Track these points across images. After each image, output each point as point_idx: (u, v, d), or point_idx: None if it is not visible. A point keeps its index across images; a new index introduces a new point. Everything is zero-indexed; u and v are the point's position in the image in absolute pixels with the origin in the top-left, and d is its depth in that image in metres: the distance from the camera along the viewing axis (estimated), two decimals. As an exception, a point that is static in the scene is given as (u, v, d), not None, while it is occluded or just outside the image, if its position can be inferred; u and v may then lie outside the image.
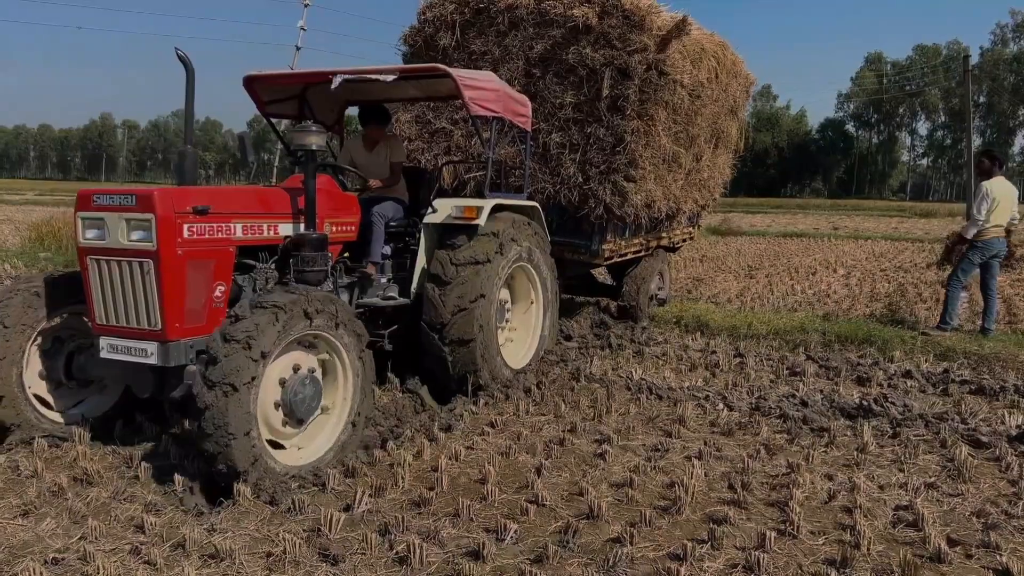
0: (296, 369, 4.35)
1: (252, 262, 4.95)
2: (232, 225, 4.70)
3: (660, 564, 3.42)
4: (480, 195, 6.41)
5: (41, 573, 3.19)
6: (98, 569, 3.22)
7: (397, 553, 3.50)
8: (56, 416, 4.88)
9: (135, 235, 4.33)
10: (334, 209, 5.58)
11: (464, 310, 5.62)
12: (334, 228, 5.52)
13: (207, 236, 4.52)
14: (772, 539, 3.59)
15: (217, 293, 4.58)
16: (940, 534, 3.74)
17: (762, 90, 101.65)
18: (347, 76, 5.78)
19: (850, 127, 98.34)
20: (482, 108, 5.96)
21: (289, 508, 3.94)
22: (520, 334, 6.70)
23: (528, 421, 5.42)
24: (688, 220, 10.13)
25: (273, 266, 5.05)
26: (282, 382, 4.28)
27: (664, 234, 9.41)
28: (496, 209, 6.08)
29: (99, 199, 4.42)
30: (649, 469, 4.53)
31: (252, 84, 6.35)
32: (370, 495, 4.08)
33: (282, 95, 6.67)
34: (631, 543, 3.57)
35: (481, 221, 5.85)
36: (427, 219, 6.06)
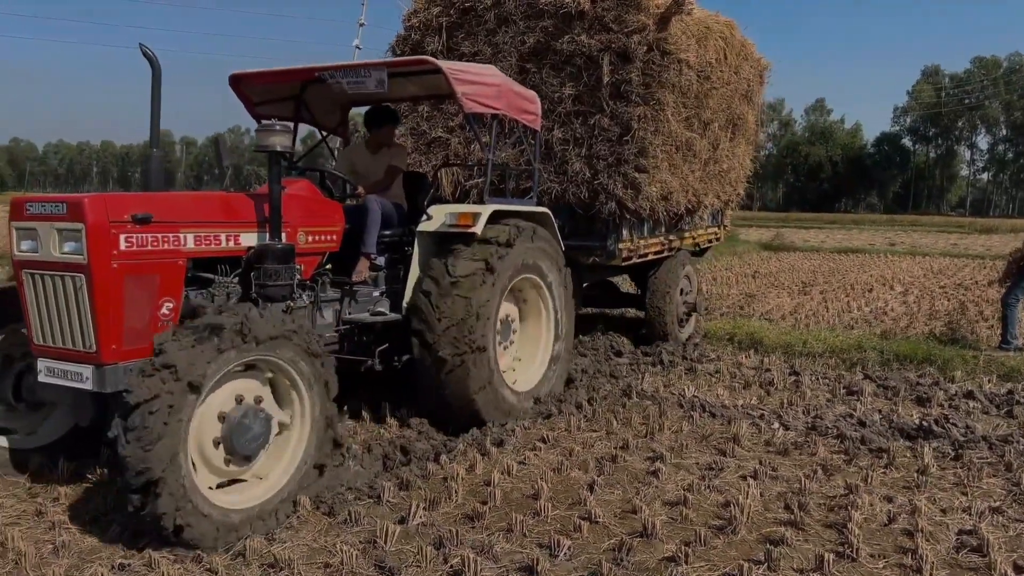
0: (239, 400, 3.92)
1: (211, 276, 4.55)
2: (181, 235, 4.25)
3: (715, 585, 3.39)
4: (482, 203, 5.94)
5: (109, 578, 3.29)
6: (163, 575, 3.31)
7: (452, 567, 3.53)
8: (2, 441, 4.53)
9: (67, 247, 3.93)
10: (310, 216, 5.11)
11: (457, 329, 5.17)
12: (309, 238, 5.07)
13: (149, 247, 4.08)
14: (831, 561, 3.53)
15: (164, 311, 4.15)
16: (1006, 560, 3.63)
17: (815, 104, 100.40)
18: (335, 74, 5.44)
19: (907, 141, 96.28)
20: (479, 104, 5.52)
21: (345, 519, 4.00)
22: (529, 352, 6.18)
23: (580, 437, 5.42)
24: (712, 219, 9.77)
25: (236, 280, 4.63)
26: (222, 416, 3.85)
27: (687, 233, 8.97)
28: (498, 216, 5.62)
29: (32, 207, 4.04)
30: (703, 488, 4.49)
31: (239, 84, 6.00)
32: (424, 508, 4.12)
33: (275, 95, 6.23)
34: (686, 562, 3.54)
35: (478, 229, 5.39)
36: (421, 227, 5.59)
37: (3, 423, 4.57)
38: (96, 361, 3.89)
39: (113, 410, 3.66)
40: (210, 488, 3.82)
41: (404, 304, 5.49)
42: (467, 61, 7.31)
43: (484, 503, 4.22)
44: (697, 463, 4.93)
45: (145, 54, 4.32)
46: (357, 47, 24.61)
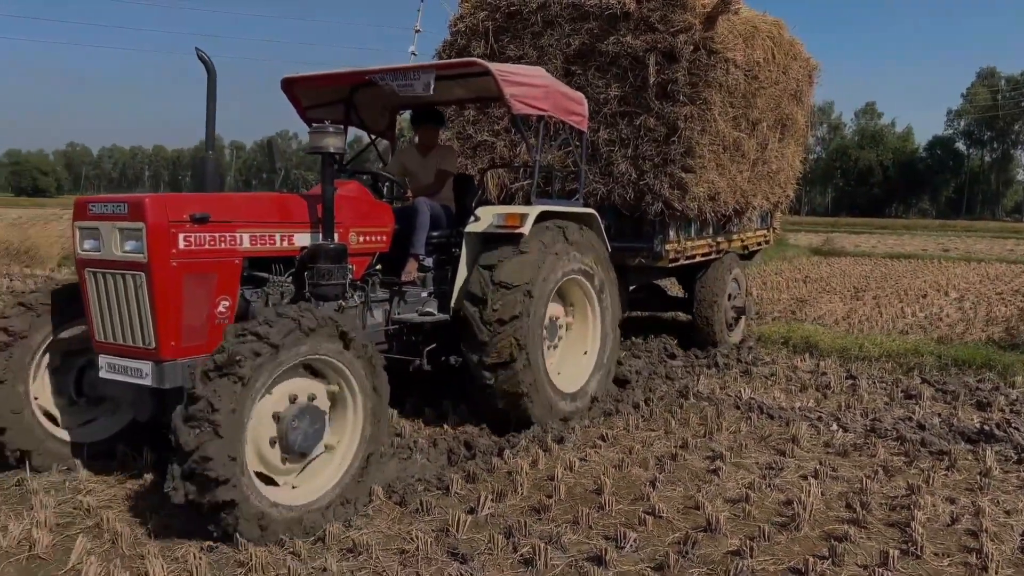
0: (293, 399, 3.93)
1: (265, 275, 4.65)
2: (238, 235, 4.37)
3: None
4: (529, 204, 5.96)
5: (200, 558, 3.48)
6: (251, 556, 3.49)
7: (522, 555, 3.65)
8: (64, 435, 4.66)
9: (128, 246, 4.04)
10: (361, 217, 5.21)
11: (505, 329, 5.20)
12: (361, 238, 5.16)
13: (207, 246, 4.19)
14: (896, 558, 3.58)
15: (221, 308, 4.26)
16: (1073, 561, 3.65)
17: (866, 107, 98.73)
18: (385, 76, 5.48)
19: (960, 145, 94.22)
20: (527, 106, 5.55)
21: (417, 509, 4.16)
22: (576, 352, 6.18)
23: (638, 436, 5.51)
24: (761, 221, 9.66)
25: (289, 279, 4.73)
26: (276, 416, 3.86)
27: (735, 235, 8.86)
28: (544, 217, 5.65)
29: (94, 207, 4.17)
30: (764, 487, 4.56)
31: (291, 87, 6.10)
32: (492, 500, 4.25)
33: (325, 99, 6.32)
34: (751, 556, 3.63)
35: (525, 230, 5.40)
36: (469, 228, 5.61)
37: (64, 417, 4.69)
38: (155, 357, 4.01)
39: (171, 405, 3.72)
40: (264, 484, 3.83)
41: (451, 305, 5.54)
42: (511, 63, 7.29)
43: (549, 496, 4.34)
44: (757, 463, 5.00)
45: (201, 58, 4.43)
46: (413, 54, 24.84)
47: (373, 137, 6.78)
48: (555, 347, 5.95)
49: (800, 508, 4.10)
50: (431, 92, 5.40)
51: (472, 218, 5.64)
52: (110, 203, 4.10)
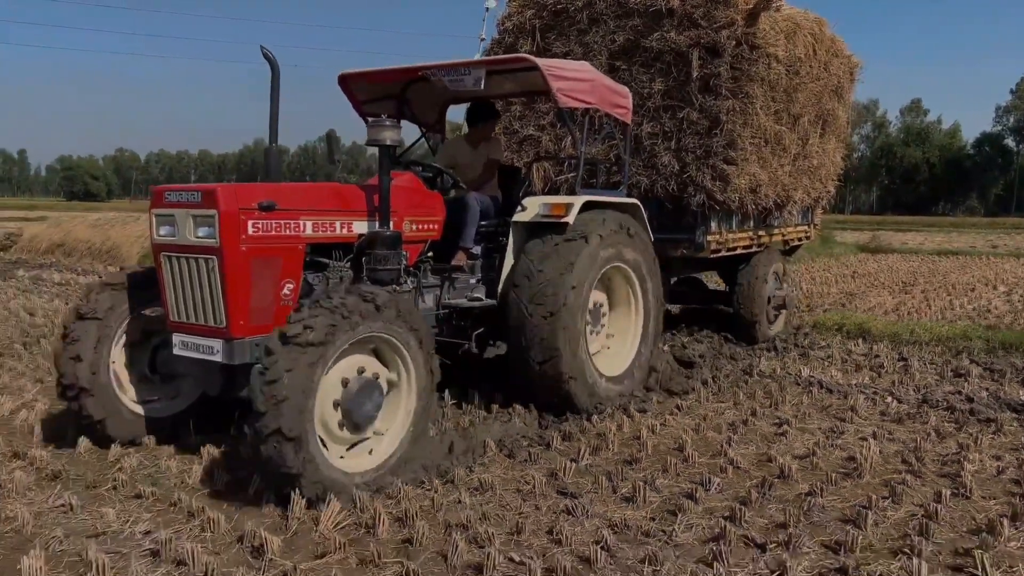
0: (360, 372, 4.23)
1: (326, 260, 4.91)
2: (301, 222, 4.64)
3: (848, 511, 4.07)
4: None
5: (358, 496, 4.17)
6: (399, 491, 4.17)
7: (622, 494, 4.29)
8: (139, 409, 5.00)
9: (201, 231, 4.32)
10: (415, 206, 5.47)
11: (550, 314, 5.41)
12: (415, 226, 5.42)
13: (274, 232, 4.47)
14: (947, 497, 4.16)
15: (285, 291, 4.54)
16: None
17: (911, 104, 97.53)
18: (437, 72, 5.72)
19: (1009, 141, 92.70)
20: (573, 99, 5.74)
21: (525, 459, 4.82)
22: (618, 339, 6.34)
23: (710, 407, 6.12)
24: (802, 216, 9.80)
25: (348, 264, 5.00)
26: (344, 382, 4.16)
27: (776, 229, 9.01)
28: (588, 207, 5.83)
29: (170, 196, 4.46)
30: (828, 445, 5.14)
31: (347, 83, 6.37)
32: (589, 453, 4.90)
33: (380, 94, 6.56)
34: (821, 496, 4.22)
35: (570, 219, 5.59)
36: (516, 217, 5.84)
37: (141, 393, 5.03)
38: (226, 336, 4.32)
39: (240, 380, 4.20)
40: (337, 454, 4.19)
41: (499, 291, 5.77)
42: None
43: (638, 451, 4.97)
44: (819, 427, 5.57)
45: (266, 56, 4.75)
46: (481, 39, 25.36)
47: (424, 130, 7.00)
48: (597, 333, 6.14)
49: (862, 460, 4.69)
50: (481, 87, 5.65)
51: (519, 208, 5.86)
52: (185, 192, 4.40)
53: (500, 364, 6.25)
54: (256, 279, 4.37)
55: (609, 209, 6.03)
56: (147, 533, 3.74)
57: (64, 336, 4.77)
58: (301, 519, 3.83)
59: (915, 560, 3.39)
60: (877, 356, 7.93)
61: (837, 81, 9.28)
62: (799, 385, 6.73)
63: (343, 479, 4.07)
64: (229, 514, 3.93)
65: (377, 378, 4.31)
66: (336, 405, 4.13)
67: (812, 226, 10.41)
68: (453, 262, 5.78)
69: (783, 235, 9.37)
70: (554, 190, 8.05)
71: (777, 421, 5.69)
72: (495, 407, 5.88)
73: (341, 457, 4.23)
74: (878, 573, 3.41)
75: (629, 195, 6.80)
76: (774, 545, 3.66)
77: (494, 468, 4.70)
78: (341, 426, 4.19)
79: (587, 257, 5.59)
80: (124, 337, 4.94)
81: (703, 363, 7.46)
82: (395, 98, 6.59)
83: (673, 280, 8.56)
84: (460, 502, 4.13)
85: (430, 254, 5.69)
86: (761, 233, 8.68)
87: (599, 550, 3.51)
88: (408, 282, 5.37)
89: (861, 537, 3.69)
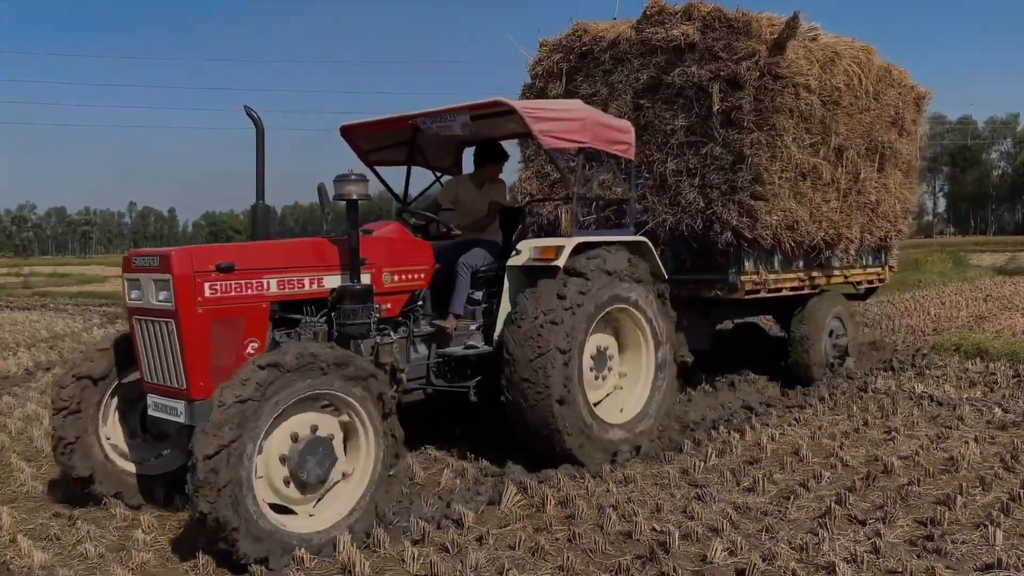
0: (315, 429, 4.26)
1: (297, 316, 4.93)
2: (264, 280, 4.67)
3: (940, 496, 4.79)
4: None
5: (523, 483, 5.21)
6: (559, 480, 5.18)
7: (744, 486, 5.14)
8: (131, 467, 5.08)
9: (161, 295, 4.40)
10: (396, 257, 5.45)
11: (540, 365, 5.26)
12: (395, 277, 5.40)
13: (233, 293, 4.51)
14: (1034, 486, 4.80)
15: (250, 350, 4.55)
16: None
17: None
18: (425, 120, 5.80)
19: None
20: (559, 140, 5.70)
21: (660, 459, 5.73)
22: (630, 381, 6.16)
23: (825, 419, 6.83)
24: (873, 258, 9.17)
25: (323, 320, 4.99)
26: (286, 449, 4.17)
27: (836, 270, 8.48)
28: (586, 248, 5.69)
29: (136, 260, 4.58)
30: (932, 448, 5.81)
31: (350, 134, 6.50)
32: (715, 455, 5.77)
33: (387, 142, 6.62)
34: (918, 485, 4.95)
35: (560, 262, 5.47)
36: (510, 262, 5.73)
37: (133, 452, 5.14)
38: (186, 397, 4.37)
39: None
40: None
41: (495, 337, 5.68)
42: (586, 102, 7.31)
43: (759, 454, 5.80)
44: (926, 434, 6.21)
45: (250, 115, 4.99)
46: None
47: (438, 175, 7.06)
48: (604, 377, 6.00)
49: (959, 459, 5.36)
50: (468, 131, 5.78)
51: (514, 252, 5.77)
52: (147, 256, 4.53)
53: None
54: (215, 340, 4.42)
55: (614, 249, 5.86)
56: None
57: (58, 397, 4.93)
58: (491, 498, 4.90)
59: (991, 528, 4.11)
60: (993, 374, 8.36)
61: (895, 112, 8.73)
62: (911, 399, 7.34)
63: (291, 540, 4.06)
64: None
65: (316, 432, 4.28)
66: (286, 481, 4.18)
67: (886, 268, 9.56)
68: (443, 324, 5.79)
69: (846, 277, 8.79)
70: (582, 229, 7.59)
71: (887, 429, 6.36)
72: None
73: (310, 515, 4.32)
74: (960, 540, 4.14)
75: (652, 234, 6.83)
76: (873, 520, 4.44)
77: (634, 467, 5.63)
78: (286, 483, 4.20)
79: (581, 302, 5.47)
80: (116, 399, 5.08)
81: (822, 381, 8.08)
82: (406, 144, 6.70)
83: (717, 322, 8.33)
84: (608, 491, 5.10)
85: (420, 303, 5.70)
86: (816, 274, 8.21)
87: (725, 523, 4.40)
88: (399, 331, 5.46)
89: (949, 515, 4.43)
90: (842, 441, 6.04)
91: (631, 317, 6.00)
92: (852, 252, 8.50)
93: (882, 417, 6.78)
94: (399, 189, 6.91)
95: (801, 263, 7.95)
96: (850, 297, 9.31)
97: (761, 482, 5.08)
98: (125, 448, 5.13)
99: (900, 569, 3.81)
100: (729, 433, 6.36)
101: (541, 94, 8.23)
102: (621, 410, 6.05)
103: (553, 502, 4.81)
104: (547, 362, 5.27)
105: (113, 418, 5.12)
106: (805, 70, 7.21)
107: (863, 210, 8.42)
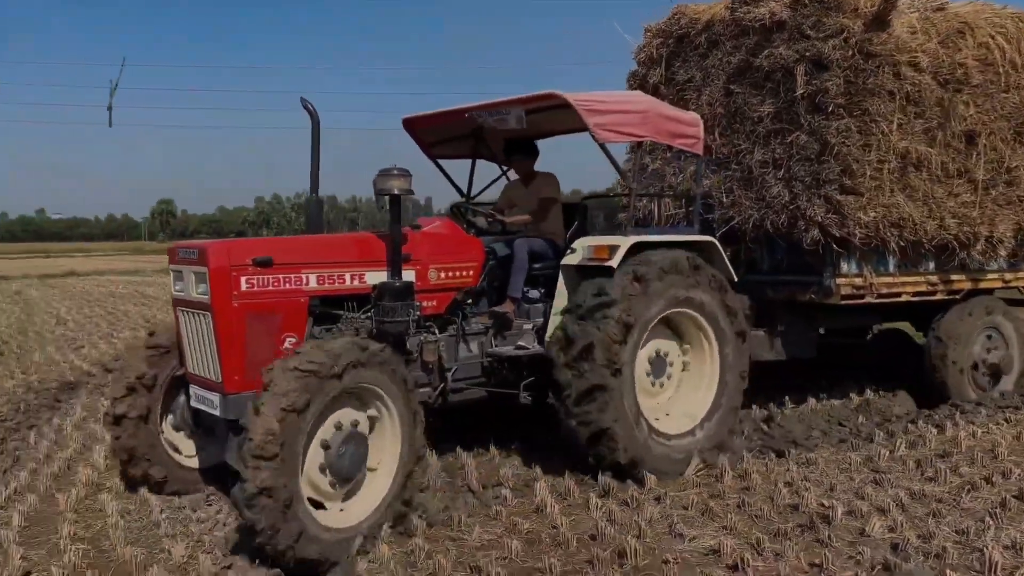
0: (339, 427, 4.19)
1: (339, 312, 4.90)
2: (303, 275, 4.68)
3: None
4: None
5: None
6: (743, 457, 5.64)
7: (927, 476, 5.29)
8: (187, 462, 5.17)
9: (200, 288, 4.45)
10: (444, 254, 5.37)
11: (585, 372, 5.05)
12: (441, 274, 5.30)
13: (271, 288, 4.53)
14: None
15: (287, 345, 4.52)
16: None
17: None
18: (482, 113, 5.71)
19: None
20: (616, 133, 5.51)
21: (847, 448, 5.98)
22: (692, 386, 5.81)
23: (1026, 417, 6.70)
24: None
25: (365, 317, 4.90)
26: (324, 444, 4.13)
27: (991, 272, 7.44)
28: (643, 248, 5.42)
29: (180, 253, 4.67)
30: None
31: (412, 126, 6.43)
32: (906, 447, 5.91)
33: (451, 134, 6.49)
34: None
35: (614, 263, 5.22)
36: (565, 260, 5.54)
37: (188, 446, 5.22)
38: (221, 390, 4.42)
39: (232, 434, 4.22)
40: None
41: (546, 338, 5.47)
42: (681, 89, 7.44)
43: (952, 448, 5.88)
44: None
45: (306, 107, 4.98)
46: None
47: (505, 169, 6.88)
48: (663, 384, 5.72)
49: None
50: (524, 125, 5.60)
51: (569, 250, 5.60)
52: (188, 249, 4.61)
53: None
54: (251, 334, 4.44)
55: (674, 249, 5.56)
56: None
57: (113, 409, 4.95)
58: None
59: None
60: None
61: None
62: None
63: (332, 538, 4.06)
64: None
65: (357, 426, 4.28)
66: (322, 468, 4.16)
67: None
68: (498, 309, 5.67)
69: (1005, 281, 7.67)
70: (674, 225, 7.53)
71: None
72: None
73: (341, 510, 4.28)
74: None
75: (737, 232, 6.70)
76: (1054, 513, 4.52)
77: (820, 451, 5.93)
78: (332, 485, 4.21)
79: (635, 307, 5.20)
80: (166, 395, 5.06)
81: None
82: (471, 138, 6.55)
83: (821, 329, 7.61)
84: (788, 470, 5.47)
85: (469, 300, 5.61)
86: (955, 278, 7.23)
87: (893, 505, 4.67)
88: (435, 331, 5.30)
89: None
90: (1045, 438, 5.94)
91: (693, 321, 5.67)
92: (1003, 252, 7.40)
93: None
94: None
95: (932, 264, 7.11)
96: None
97: (944, 473, 5.23)
98: (180, 444, 5.21)
99: (1061, 562, 3.93)
100: (928, 427, 6.42)
101: (643, 82, 7.87)
102: (682, 416, 5.71)
103: (731, 475, 5.29)
104: (596, 371, 5.06)
105: (174, 415, 5.14)
106: (913, 46, 6.50)
107: (1016, 204, 7.33)
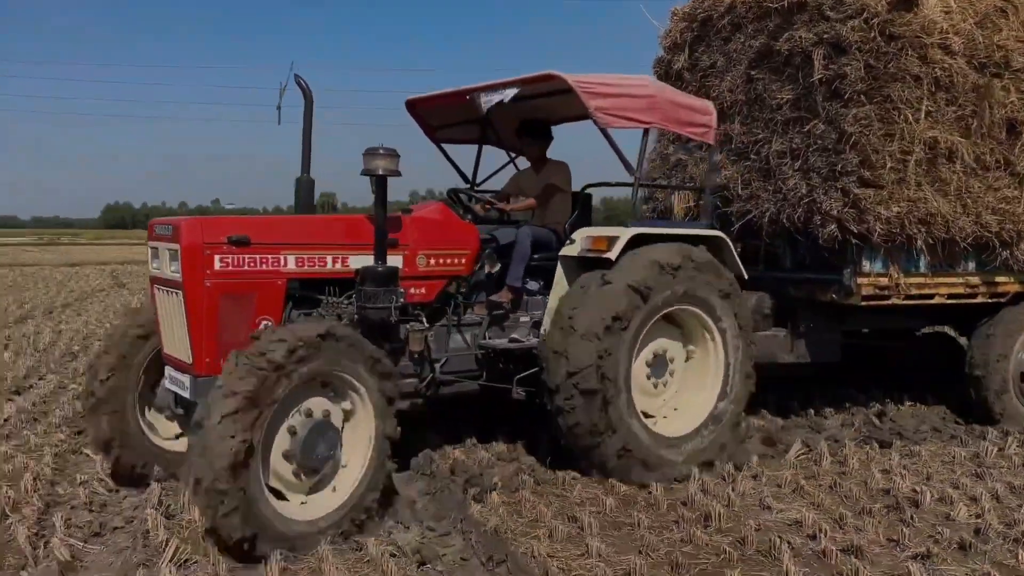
0: (309, 414, 3.98)
1: (320, 296, 4.74)
2: (282, 256, 4.49)
3: None
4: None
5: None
6: (844, 446, 5.86)
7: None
8: (167, 445, 4.92)
9: (172, 266, 4.29)
10: (434, 239, 5.14)
11: (576, 370, 4.80)
12: (431, 261, 5.09)
13: (247, 268, 4.35)
14: None
15: (261, 328, 4.28)
16: None
17: None
18: (478, 94, 5.45)
19: None
20: (620, 119, 5.22)
21: (957, 444, 6.09)
22: (695, 387, 5.55)
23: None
24: None
25: (347, 302, 4.70)
26: (291, 430, 3.93)
27: None
28: (646, 240, 5.19)
29: (156, 229, 4.49)
30: None
31: (415, 108, 6.24)
32: (1017, 445, 5.98)
33: (456, 118, 6.22)
34: None
35: (612, 255, 5.02)
36: (563, 251, 5.34)
37: (174, 428, 4.96)
38: (192, 372, 4.25)
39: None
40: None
41: (542, 332, 5.25)
42: (704, 75, 7.12)
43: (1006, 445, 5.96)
44: None
45: (299, 84, 4.85)
46: None
47: (513, 156, 6.67)
48: (664, 384, 5.48)
49: None
50: (506, 100, 5.35)
51: (568, 240, 5.40)
52: (164, 225, 4.45)
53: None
54: (224, 315, 4.28)
55: (679, 243, 5.31)
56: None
57: (88, 393, 4.80)
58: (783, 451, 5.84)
59: None
60: None
61: None
62: None
63: (306, 529, 3.90)
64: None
65: (328, 416, 4.09)
66: (287, 456, 3.96)
67: None
68: (495, 298, 5.45)
69: None
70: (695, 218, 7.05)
71: None
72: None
73: (302, 503, 4.06)
74: None
75: (753, 226, 6.40)
76: None
77: (927, 445, 6.07)
78: (296, 475, 4.01)
79: (632, 303, 4.95)
80: (149, 374, 4.84)
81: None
82: (477, 123, 6.29)
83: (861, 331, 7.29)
84: (889, 459, 5.66)
85: (462, 289, 5.39)
86: (1001, 279, 6.63)
87: (986, 495, 4.84)
88: (423, 320, 5.08)
89: None
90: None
91: (697, 319, 5.42)
92: None
93: None
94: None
95: (971, 264, 6.51)
96: None
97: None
98: (159, 426, 4.98)
99: None
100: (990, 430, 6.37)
101: (668, 67, 7.53)
102: (683, 417, 5.48)
103: (829, 460, 5.57)
104: (591, 372, 4.84)
105: (146, 397, 4.90)
106: (945, 27, 5.97)
107: None
